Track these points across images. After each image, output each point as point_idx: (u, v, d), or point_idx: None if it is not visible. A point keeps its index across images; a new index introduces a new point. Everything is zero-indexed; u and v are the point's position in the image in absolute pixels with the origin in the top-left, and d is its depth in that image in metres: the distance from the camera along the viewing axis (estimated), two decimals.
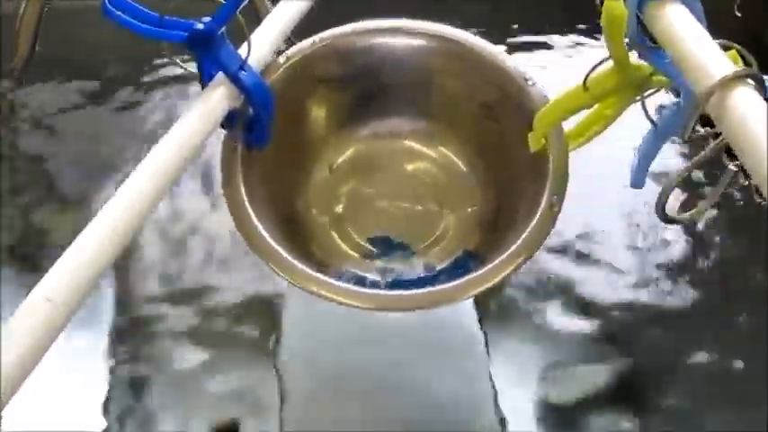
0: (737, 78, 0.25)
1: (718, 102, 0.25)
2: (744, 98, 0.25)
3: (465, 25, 0.43)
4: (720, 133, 0.29)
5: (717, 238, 0.57)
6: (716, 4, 0.32)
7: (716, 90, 0.25)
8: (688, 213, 0.30)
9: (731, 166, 0.29)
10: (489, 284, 0.36)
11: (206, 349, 0.49)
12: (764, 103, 0.25)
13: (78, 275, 0.27)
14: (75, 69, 0.68)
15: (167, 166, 0.32)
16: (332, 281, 0.36)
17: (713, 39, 0.28)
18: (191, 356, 0.49)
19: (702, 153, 0.29)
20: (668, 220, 0.30)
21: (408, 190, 0.45)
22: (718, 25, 0.30)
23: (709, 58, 0.27)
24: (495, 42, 0.42)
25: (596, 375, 0.51)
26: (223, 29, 0.35)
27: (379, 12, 0.43)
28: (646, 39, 0.31)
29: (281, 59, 0.41)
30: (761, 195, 0.54)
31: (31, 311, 0.26)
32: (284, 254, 0.36)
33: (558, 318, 0.53)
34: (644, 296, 0.54)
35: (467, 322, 0.52)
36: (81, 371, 0.49)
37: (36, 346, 0.25)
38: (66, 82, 0.67)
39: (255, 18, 0.42)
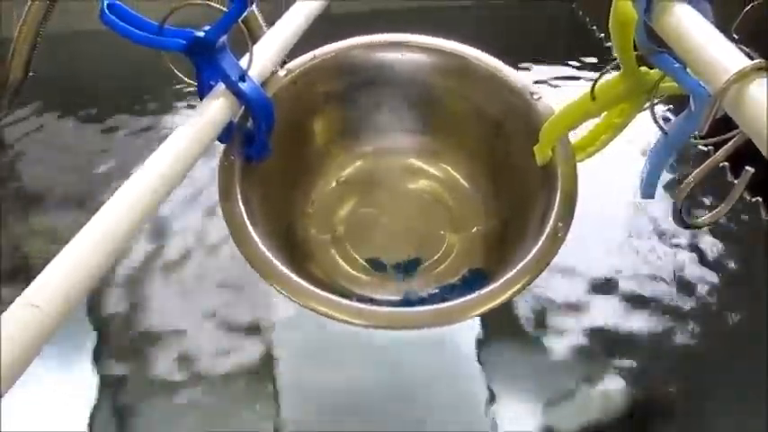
0: (754, 71, 0.24)
1: (735, 96, 0.25)
2: (763, 90, 0.24)
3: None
4: (735, 133, 0.28)
5: (728, 263, 0.56)
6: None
7: (733, 83, 0.25)
8: (706, 218, 0.29)
9: (748, 168, 0.28)
10: (494, 304, 0.34)
11: (196, 372, 0.47)
12: None
13: (69, 281, 0.26)
14: (71, 95, 0.68)
15: (163, 177, 0.31)
16: (333, 297, 0.35)
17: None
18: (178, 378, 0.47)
19: (717, 155, 0.28)
20: (686, 225, 0.29)
21: (411, 209, 0.44)
22: None
23: (721, 53, 0.26)
24: None
25: (602, 403, 0.49)
26: (224, 38, 0.35)
27: (380, 28, 0.43)
28: (653, 43, 0.31)
29: (282, 73, 0.41)
30: None
31: (16, 318, 0.24)
32: (281, 267, 0.35)
33: (563, 343, 0.52)
34: (654, 322, 0.53)
35: (467, 348, 0.50)
36: (67, 382, 0.47)
37: (22, 354, 0.23)
38: (64, 108, 0.67)
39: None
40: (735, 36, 0.60)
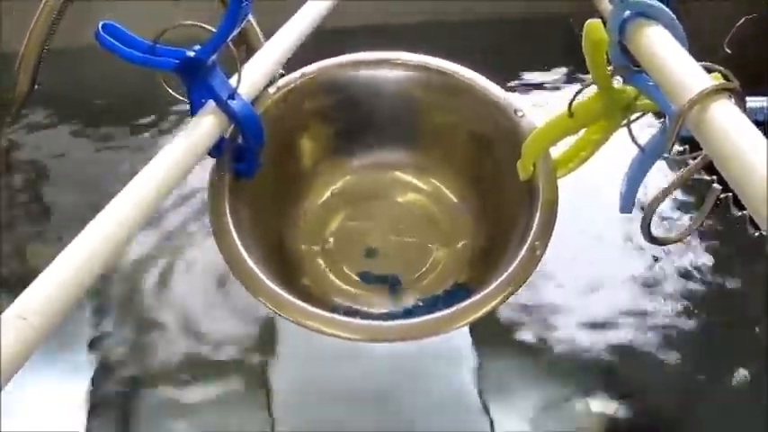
0: (717, 92, 0.25)
1: (698, 115, 0.25)
2: (724, 111, 0.25)
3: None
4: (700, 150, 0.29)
5: (718, 274, 0.56)
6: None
7: (695, 104, 0.25)
8: (675, 234, 0.30)
9: (715, 185, 0.29)
10: (476, 316, 0.35)
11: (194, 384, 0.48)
12: (745, 116, 0.24)
13: (55, 295, 0.27)
14: (76, 108, 0.69)
15: (152, 192, 0.32)
16: (320, 312, 0.36)
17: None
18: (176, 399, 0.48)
19: (684, 170, 0.29)
20: (655, 240, 0.29)
21: (399, 222, 0.45)
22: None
23: (688, 73, 0.27)
24: None
25: (597, 413, 0.49)
26: (214, 57, 0.36)
27: (370, 45, 0.44)
28: (628, 62, 0.32)
29: (271, 90, 0.42)
30: (755, 227, 0.54)
31: (3, 329, 0.25)
32: (269, 283, 0.36)
33: (559, 355, 0.52)
34: (648, 333, 0.53)
35: (464, 360, 0.51)
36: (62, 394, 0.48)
37: (8, 364, 0.25)
38: (66, 121, 0.68)
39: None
40: (728, 51, 0.61)
